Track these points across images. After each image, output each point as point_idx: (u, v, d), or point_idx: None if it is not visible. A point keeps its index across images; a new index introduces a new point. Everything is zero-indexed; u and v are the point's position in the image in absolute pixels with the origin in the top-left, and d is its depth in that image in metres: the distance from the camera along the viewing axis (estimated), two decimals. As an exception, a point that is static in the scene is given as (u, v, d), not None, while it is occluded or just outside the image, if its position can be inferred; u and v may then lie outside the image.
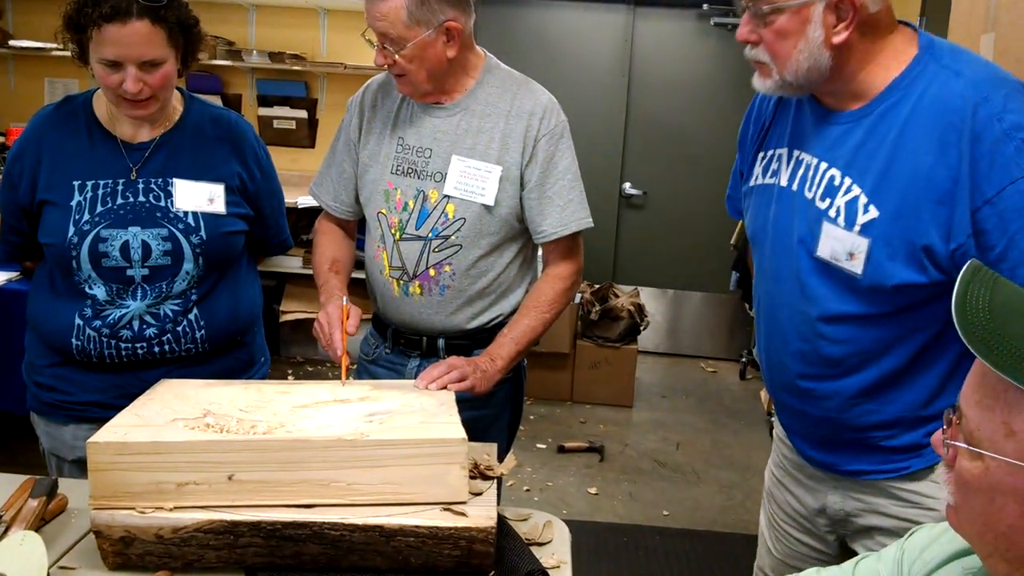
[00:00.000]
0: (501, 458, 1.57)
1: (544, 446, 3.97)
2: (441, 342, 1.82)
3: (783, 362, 1.48)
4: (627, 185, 5.28)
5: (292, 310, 4.75)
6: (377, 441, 1.30)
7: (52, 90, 5.02)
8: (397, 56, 1.64)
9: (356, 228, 1.96)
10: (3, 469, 1.59)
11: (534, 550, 1.40)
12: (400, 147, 1.78)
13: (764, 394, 4.39)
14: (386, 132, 1.80)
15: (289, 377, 4.62)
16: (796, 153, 1.44)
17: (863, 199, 1.32)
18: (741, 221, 4.85)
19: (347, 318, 1.67)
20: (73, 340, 1.68)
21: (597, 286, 4.80)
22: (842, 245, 1.33)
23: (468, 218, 1.74)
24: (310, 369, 4.85)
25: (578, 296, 4.64)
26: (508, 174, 1.74)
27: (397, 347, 1.87)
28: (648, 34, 5.14)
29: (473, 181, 1.74)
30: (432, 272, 1.77)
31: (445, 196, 1.74)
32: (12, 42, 4.80)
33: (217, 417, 1.37)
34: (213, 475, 1.27)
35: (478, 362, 1.69)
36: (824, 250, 1.36)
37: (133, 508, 1.26)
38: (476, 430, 1.78)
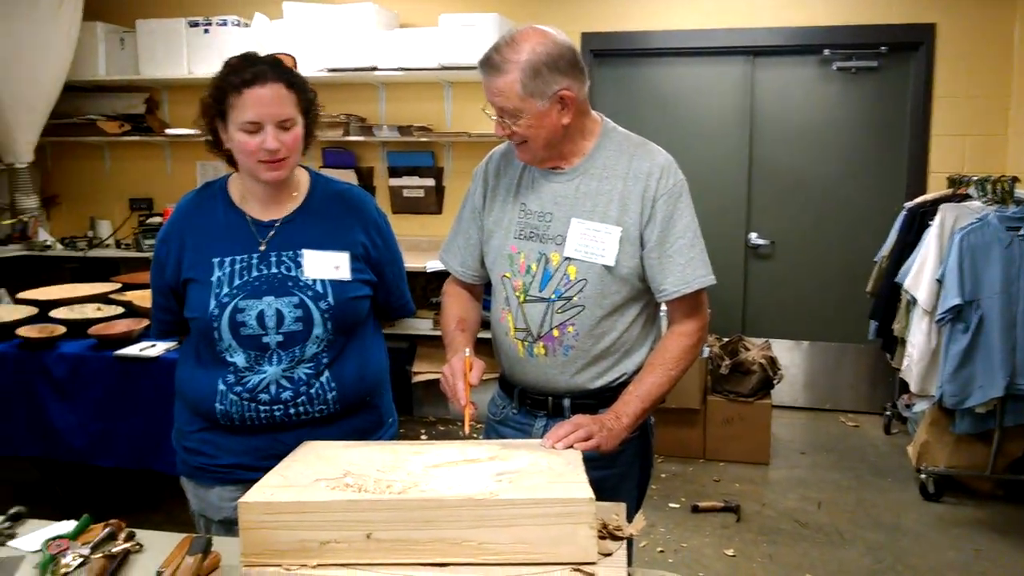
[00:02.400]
0: (631, 518, 1.56)
1: (677, 505, 3.87)
2: (567, 402, 1.84)
3: None
4: (753, 235, 5.18)
5: (423, 371, 4.89)
6: (506, 500, 1.32)
7: (203, 172, 5.44)
8: (514, 127, 1.72)
9: (482, 291, 2.03)
10: (161, 527, 1.71)
11: (667, 612, 1.38)
12: (522, 212, 1.84)
13: (912, 449, 4.14)
14: (509, 199, 1.87)
15: (422, 436, 4.72)
16: None
17: None
18: (876, 267, 4.64)
19: (471, 370, 1.72)
20: (217, 405, 1.79)
21: (726, 339, 4.70)
22: None
23: (590, 279, 1.77)
24: (442, 428, 4.94)
25: (706, 350, 4.56)
26: (628, 235, 1.77)
27: (524, 407, 1.91)
28: (769, 83, 5.08)
29: (593, 243, 1.77)
30: (556, 333, 1.80)
31: (566, 258, 1.78)
32: (168, 131, 5.25)
33: (356, 477, 1.44)
34: (353, 533, 1.32)
35: (604, 420, 1.70)
36: None
37: (280, 565, 1.33)
38: (605, 490, 1.77)
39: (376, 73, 4.83)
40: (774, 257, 5.21)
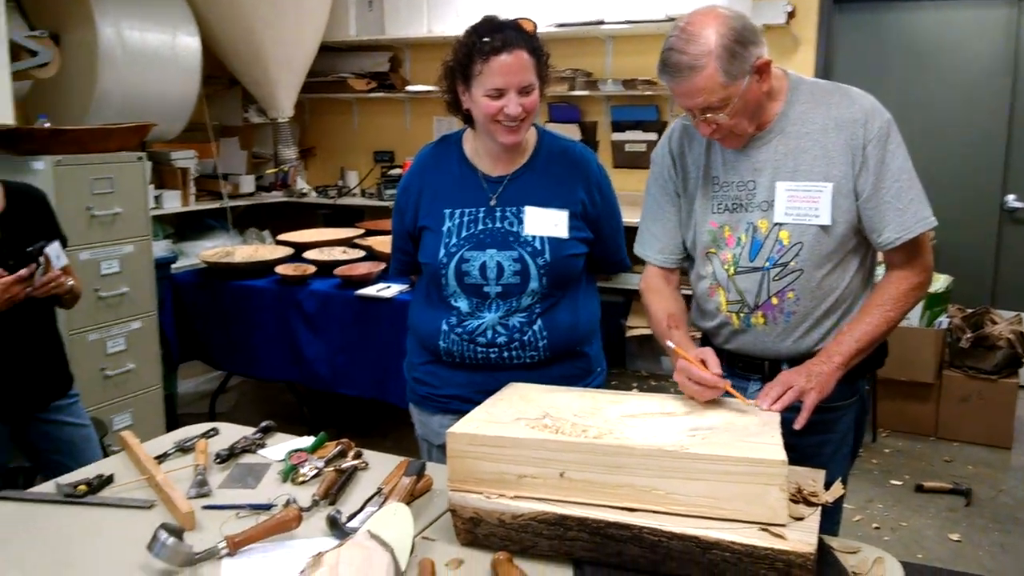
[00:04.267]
0: (830, 486, 1.52)
1: (900, 483, 3.66)
2: (785, 366, 1.78)
3: None
4: (1011, 198, 4.66)
5: (637, 326, 4.92)
6: (695, 455, 1.35)
7: (439, 127, 5.75)
8: (719, 119, 1.64)
9: (679, 274, 1.96)
10: (388, 451, 1.90)
11: (860, 584, 1.35)
12: (716, 186, 1.80)
13: None
14: (700, 174, 1.82)
15: (634, 389, 4.78)
16: None
17: None
18: None
19: (704, 364, 1.63)
20: (441, 343, 1.94)
21: (970, 311, 4.31)
22: None
23: (805, 242, 1.71)
24: (654, 384, 4.97)
25: (946, 321, 4.22)
26: (840, 188, 1.69)
27: (735, 369, 1.87)
28: (1041, 27, 4.52)
29: (804, 204, 1.70)
30: (775, 301, 1.76)
31: (776, 224, 1.72)
32: (409, 87, 5.58)
33: (554, 419, 1.52)
34: (547, 470, 1.41)
35: (811, 367, 1.65)
36: None
37: (481, 493, 1.44)
38: (821, 455, 1.76)
39: (603, 27, 4.83)
40: (1036, 223, 4.68)
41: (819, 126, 1.71)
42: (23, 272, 2.13)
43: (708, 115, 1.65)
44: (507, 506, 1.42)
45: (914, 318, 4.12)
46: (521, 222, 1.89)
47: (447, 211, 1.93)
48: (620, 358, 5.12)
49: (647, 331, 4.88)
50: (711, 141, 1.80)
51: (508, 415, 1.55)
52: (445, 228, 1.92)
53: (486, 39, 1.78)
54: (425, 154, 2.04)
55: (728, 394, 1.62)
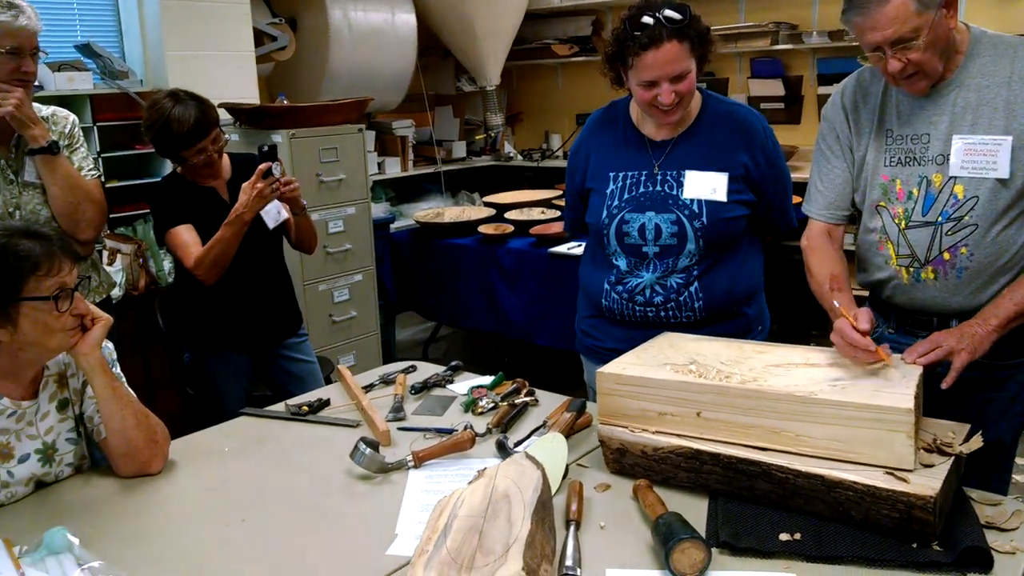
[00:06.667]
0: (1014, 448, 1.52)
1: None
2: (954, 323, 1.77)
3: None
4: None
5: (840, 286, 4.78)
6: (824, 400, 1.44)
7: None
8: (910, 54, 1.63)
9: (844, 231, 1.96)
10: (559, 391, 2.11)
11: (993, 534, 1.38)
12: (889, 139, 1.80)
13: None
14: (873, 128, 1.82)
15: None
16: None
17: None
18: None
19: (856, 322, 1.63)
20: (602, 300, 2.10)
21: None
22: None
23: (981, 196, 1.70)
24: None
25: None
26: (1022, 141, 1.66)
27: (903, 327, 1.89)
28: None
29: (981, 157, 1.69)
30: (947, 256, 1.75)
31: (951, 178, 1.72)
32: (610, 50, 5.70)
33: (700, 366, 1.65)
34: (685, 410, 1.56)
35: (964, 328, 1.65)
36: None
37: (626, 427, 1.62)
38: (987, 413, 1.76)
39: (809, -23, 4.68)
40: None
41: (1001, 79, 1.68)
42: (262, 167, 2.39)
43: (899, 47, 1.63)
44: (649, 439, 1.58)
45: None
46: (681, 185, 1.99)
47: (611, 174, 2.07)
48: (821, 320, 5.00)
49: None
50: (886, 94, 1.81)
51: (656, 360, 1.70)
52: (609, 190, 2.06)
53: (636, 32, 1.85)
54: (595, 118, 2.19)
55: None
